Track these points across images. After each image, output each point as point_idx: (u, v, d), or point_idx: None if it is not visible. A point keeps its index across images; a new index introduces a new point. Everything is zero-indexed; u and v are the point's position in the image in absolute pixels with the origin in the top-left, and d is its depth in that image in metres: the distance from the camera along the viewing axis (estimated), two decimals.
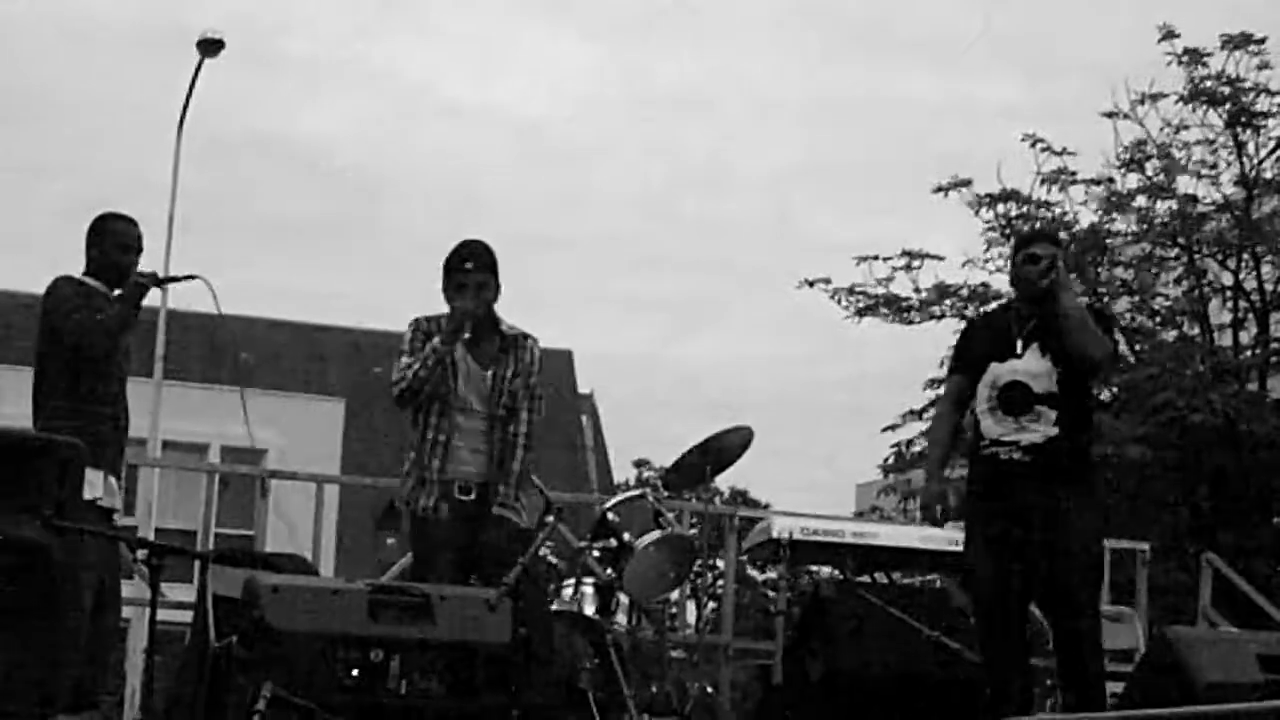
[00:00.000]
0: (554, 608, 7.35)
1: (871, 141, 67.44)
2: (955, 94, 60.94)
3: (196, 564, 7.87)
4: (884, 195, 67.71)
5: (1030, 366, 6.94)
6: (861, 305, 19.52)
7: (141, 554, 6.36)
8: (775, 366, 70.35)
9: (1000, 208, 18.93)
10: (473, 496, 6.89)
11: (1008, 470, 6.88)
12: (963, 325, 8.00)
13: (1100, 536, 7.25)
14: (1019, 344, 7.01)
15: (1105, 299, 19.12)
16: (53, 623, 6.14)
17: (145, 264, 7.04)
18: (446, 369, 6.83)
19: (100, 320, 6.76)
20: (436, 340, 6.77)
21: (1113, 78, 18.90)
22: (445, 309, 6.86)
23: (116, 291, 6.92)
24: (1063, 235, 18.67)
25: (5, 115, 55.09)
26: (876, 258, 19.30)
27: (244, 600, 6.03)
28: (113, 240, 7.04)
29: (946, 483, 7.23)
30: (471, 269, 6.81)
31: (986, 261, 19.38)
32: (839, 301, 19.54)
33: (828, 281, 19.51)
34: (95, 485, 6.63)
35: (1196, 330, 18.94)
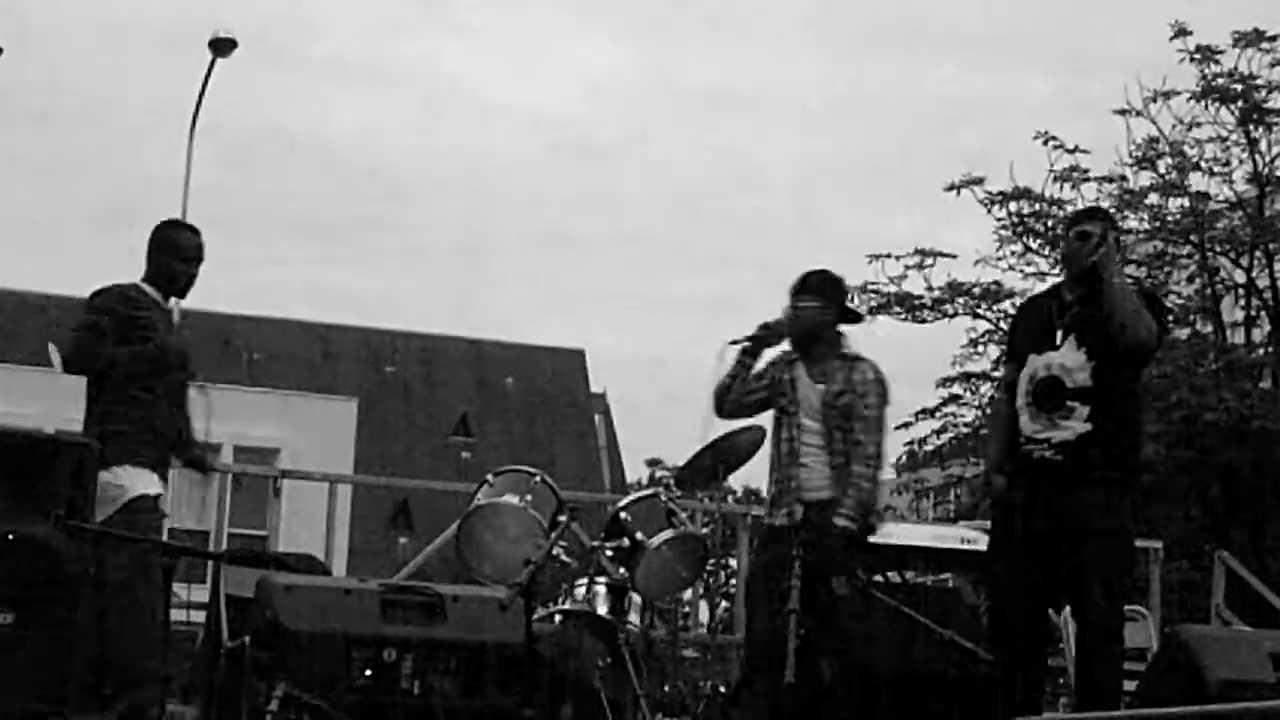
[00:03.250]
0: (566, 607, 7.36)
1: (900, 138, 67.46)
2: (986, 90, 60.92)
3: (210, 564, 7.88)
4: (911, 192, 67.68)
5: (1066, 360, 6.74)
6: (874, 304, 19.48)
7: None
8: None
9: (1012, 206, 18.90)
10: (811, 509, 7.08)
11: (1039, 468, 6.73)
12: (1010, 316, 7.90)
13: (1129, 537, 6.96)
14: (1059, 335, 6.82)
15: None
16: (62, 621, 6.15)
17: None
18: (785, 386, 7.21)
19: (156, 353, 6.69)
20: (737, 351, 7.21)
21: (1144, 74, 18.80)
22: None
23: (174, 303, 6.89)
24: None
25: (37, 115, 55.26)
26: (889, 256, 19.29)
27: (257, 600, 6.05)
28: (175, 252, 6.93)
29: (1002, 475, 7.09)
30: (801, 292, 7.23)
31: (999, 259, 19.35)
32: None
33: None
34: (145, 480, 6.56)
35: (1209, 328, 18.90)
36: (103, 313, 6.69)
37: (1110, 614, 6.68)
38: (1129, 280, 7.11)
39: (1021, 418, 6.83)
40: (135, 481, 6.55)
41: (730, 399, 7.26)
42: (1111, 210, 18.60)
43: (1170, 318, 19.01)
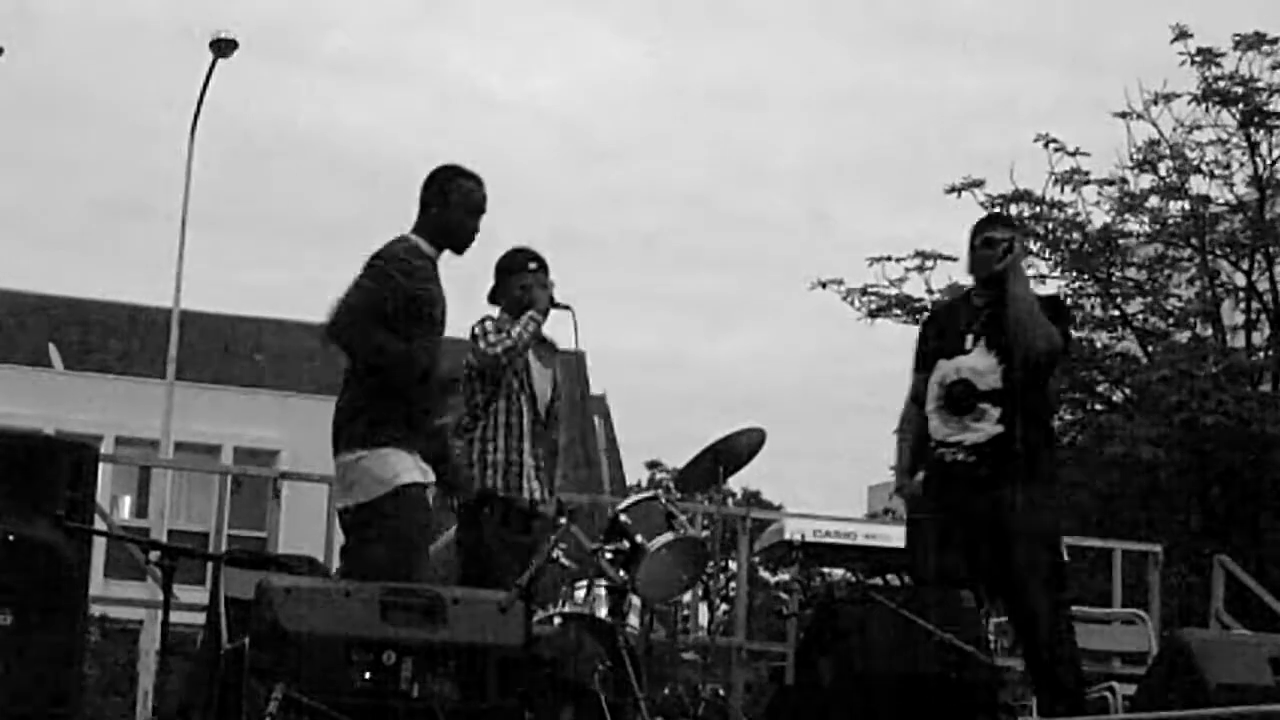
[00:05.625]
0: (566, 609, 7.36)
1: (912, 138, 67.45)
2: (1000, 90, 60.91)
3: (209, 566, 7.88)
4: (921, 192, 67.71)
5: (976, 363, 6.77)
6: (874, 306, 19.47)
7: (154, 556, 6.38)
8: (799, 366, 70.39)
9: (1013, 208, 18.88)
10: (534, 494, 7.13)
11: (952, 472, 6.75)
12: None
13: (1055, 533, 6.96)
14: (968, 339, 6.84)
15: (1118, 300, 19.10)
16: (64, 622, 6.16)
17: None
18: (519, 364, 7.15)
19: (404, 352, 6.14)
20: (526, 317, 7.10)
21: (1145, 77, 18.85)
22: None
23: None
24: (1075, 236, 18.67)
25: (41, 112, 55.27)
26: (889, 258, 19.27)
27: (256, 602, 6.04)
28: (459, 199, 6.40)
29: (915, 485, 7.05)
30: (537, 269, 7.24)
31: None
32: (852, 303, 19.50)
33: (840, 282, 19.48)
34: (409, 467, 6.17)
35: (1209, 331, 18.91)
36: (385, 288, 6.16)
37: (1054, 614, 6.64)
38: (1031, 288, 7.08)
39: (932, 422, 6.85)
40: (399, 467, 6.17)
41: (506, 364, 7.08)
42: (1112, 213, 18.68)
43: (1160, 325, 19.04)
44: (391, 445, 6.16)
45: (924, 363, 7.05)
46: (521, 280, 7.25)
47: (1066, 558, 10.78)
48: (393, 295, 6.14)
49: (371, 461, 6.16)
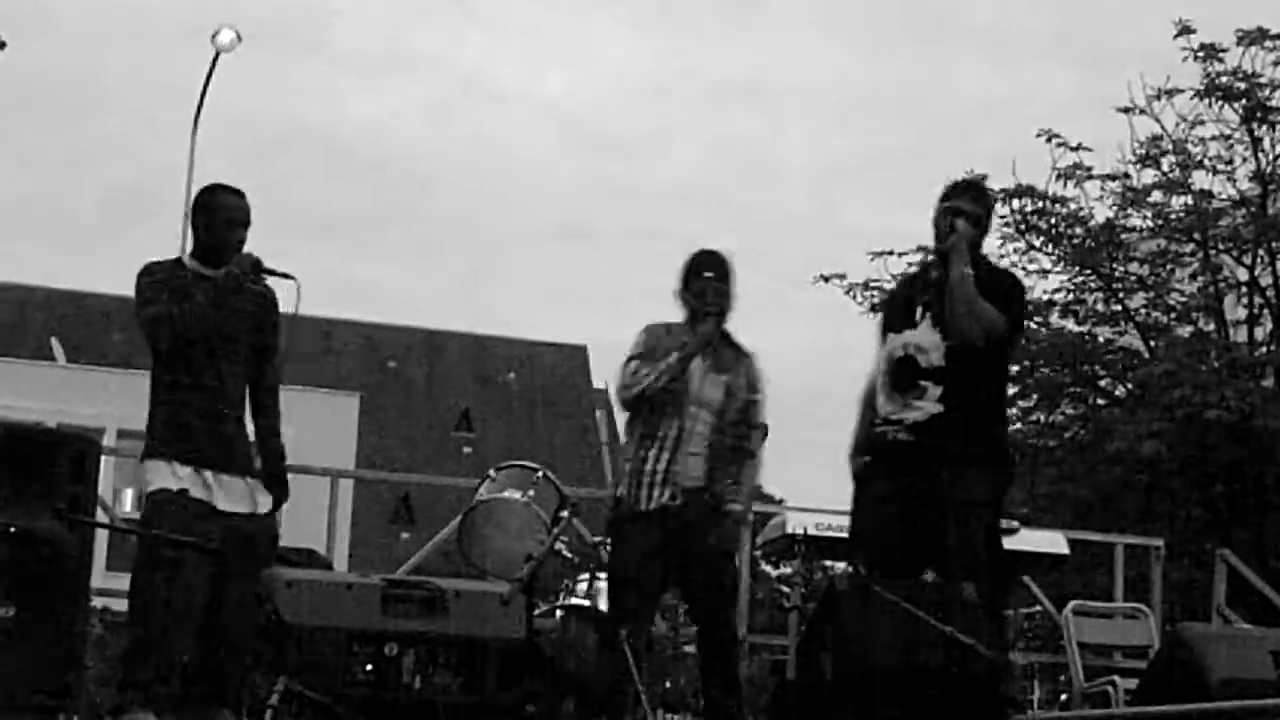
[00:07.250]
0: (568, 602, 7.35)
1: (920, 132, 67.33)
2: (1004, 86, 60.82)
3: None
4: (929, 188, 67.60)
5: (922, 339, 6.57)
6: (876, 301, 19.42)
7: None
8: (803, 360, 70.37)
9: (1015, 204, 18.86)
10: (690, 494, 6.80)
11: (892, 450, 6.56)
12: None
13: (991, 517, 6.64)
14: (918, 312, 6.65)
15: (1120, 294, 19.08)
16: (64, 615, 6.16)
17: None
18: (683, 376, 6.80)
19: (171, 313, 6.35)
20: (675, 356, 6.78)
21: (1148, 72, 18.81)
22: (667, 317, 6.97)
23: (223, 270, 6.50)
24: (1078, 231, 18.65)
25: (51, 103, 55.27)
26: (892, 253, 19.24)
27: (259, 595, 6.05)
28: (221, 215, 6.56)
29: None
30: (713, 278, 6.87)
31: (1001, 257, 19.32)
32: (854, 297, 19.48)
33: (843, 277, 19.46)
34: (163, 474, 6.29)
35: (1211, 326, 18.89)
36: (142, 287, 6.44)
37: (982, 594, 6.50)
38: (971, 270, 6.67)
39: (879, 397, 6.67)
40: (153, 476, 6.29)
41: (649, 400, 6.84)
42: (1115, 208, 18.65)
43: (1162, 320, 19.01)
44: (151, 456, 6.35)
45: (883, 336, 6.86)
46: (696, 287, 6.91)
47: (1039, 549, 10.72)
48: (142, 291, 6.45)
49: (142, 474, 6.35)
